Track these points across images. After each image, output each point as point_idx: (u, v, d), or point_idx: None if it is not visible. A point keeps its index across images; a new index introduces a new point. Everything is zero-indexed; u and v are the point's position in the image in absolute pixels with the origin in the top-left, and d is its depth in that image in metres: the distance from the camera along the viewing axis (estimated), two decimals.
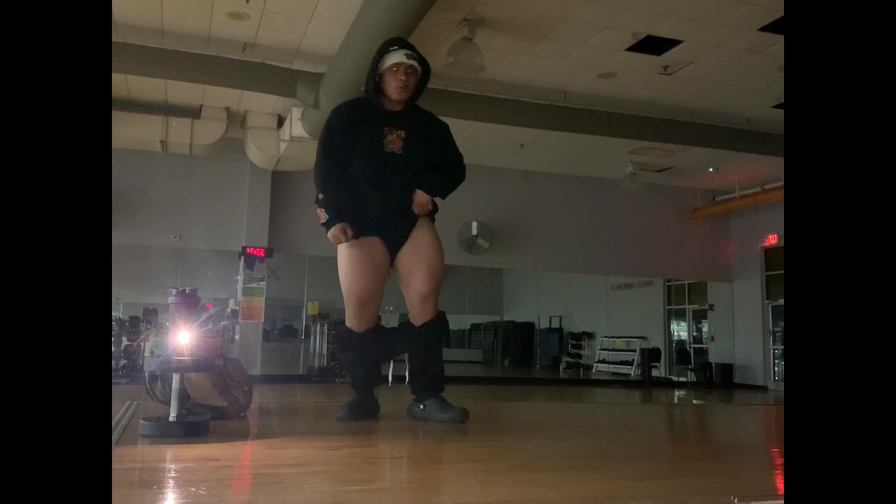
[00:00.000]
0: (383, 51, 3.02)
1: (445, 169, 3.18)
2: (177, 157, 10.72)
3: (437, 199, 3.20)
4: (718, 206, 13.89)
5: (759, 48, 7.84)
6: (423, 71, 3.07)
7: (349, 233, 2.99)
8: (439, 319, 3.10)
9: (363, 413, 3.04)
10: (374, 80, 3.02)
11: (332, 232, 2.99)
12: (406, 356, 3.24)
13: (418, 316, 3.08)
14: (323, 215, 3.00)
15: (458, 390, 3.42)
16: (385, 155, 3.01)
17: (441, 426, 2.89)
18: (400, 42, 3.08)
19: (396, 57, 2.98)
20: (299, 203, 11.58)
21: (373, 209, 3.03)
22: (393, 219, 3.06)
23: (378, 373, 3.22)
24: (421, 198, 3.08)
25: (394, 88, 2.99)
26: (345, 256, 3.07)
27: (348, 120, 3.10)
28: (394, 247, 3.09)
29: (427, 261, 3.04)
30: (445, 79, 8.37)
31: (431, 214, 3.19)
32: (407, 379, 3.20)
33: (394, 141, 3.02)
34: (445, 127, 3.25)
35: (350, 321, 3.11)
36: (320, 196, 3.02)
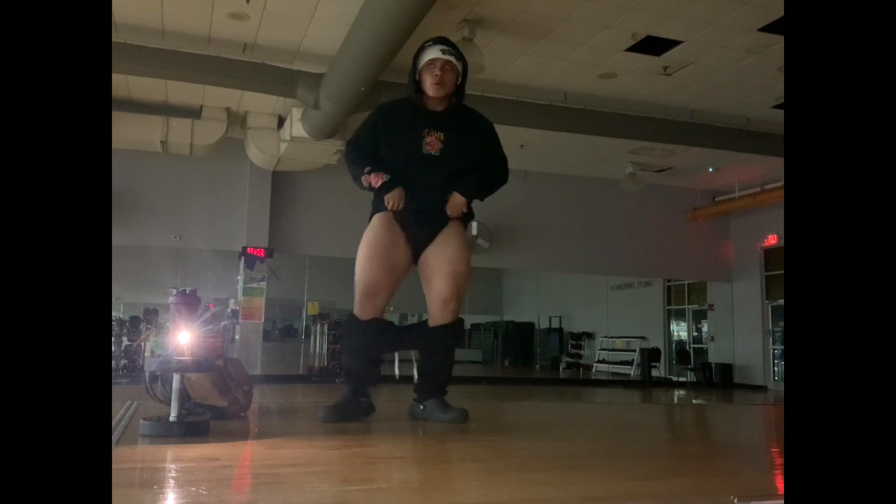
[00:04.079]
0: (420, 48, 3.02)
1: (485, 170, 3.14)
2: (177, 157, 10.72)
3: (476, 201, 3.18)
4: (718, 206, 13.89)
5: (759, 48, 7.84)
6: (463, 69, 3.05)
7: (405, 201, 2.95)
8: (455, 325, 3.07)
9: (345, 415, 2.93)
10: (414, 78, 3.02)
11: (395, 195, 2.94)
12: (416, 356, 3.23)
13: (436, 318, 3.05)
14: (377, 180, 2.94)
15: (459, 390, 3.41)
16: (422, 156, 2.99)
17: (441, 426, 2.89)
18: (437, 39, 3.06)
19: (432, 53, 2.97)
20: (299, 203, 11.59)
21: (410, 205, 3.01)
22: (423, 219, 3.03)
23: (374, 368, 3.16)
24: (456, 199, 3.04)
25: (430, 84, 2.98)
26: (364, 244, 3.04)
27: (386, 119, 3.10)
28: (420, 246, 3.06)
29: (451, 264, 3.01)
30: None
31: (466, 219, 3.16)
32: (415, 378, 3.19)
33: (432, 143, 3.00)
34: (489, 126, 3.21)
35: (355, 308, 3.06)
36: (366, 169, 2.97)
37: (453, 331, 3.08)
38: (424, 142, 3.00)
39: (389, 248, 3.00)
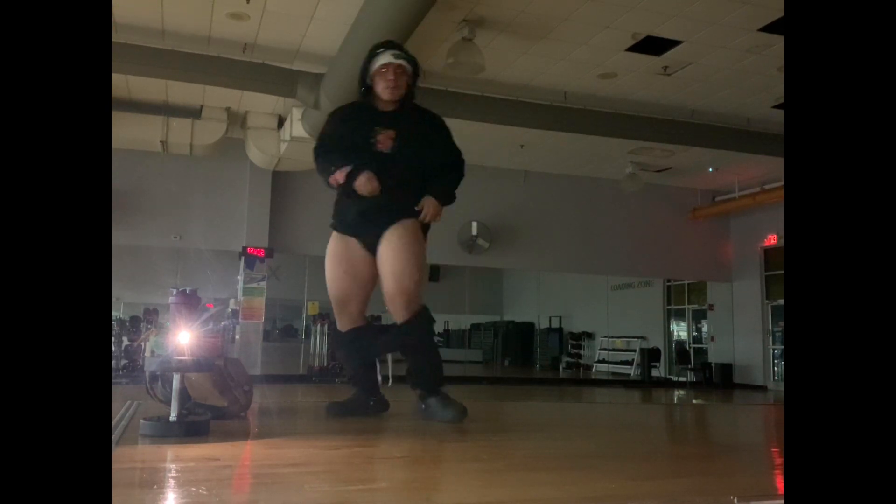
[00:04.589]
0: (372, 54, 3.09)
1: (448, 172, 3.18)
2: (177, 157, 10.72)
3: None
4: (718, 206, 13.89)
5: (759, 48, 7.84)
6: (414, 69, 3.11)
7: (378, 181, 2.92)
8: (417, 318, 3.04)
9: (346, 411, 3.06)
10: (366, 83, 3.08)
11: (363, 179, 2.92)
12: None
13: (396, 316, 3.06)
14: (341, 174, 2.95)
15: (459, 390, 3.42)
16: (374, 154, 3.02)
17: (441, 426, 2.89)
18: (387, 44, 3.13)
19: (384, 58, 3.04)
20: (299, 203, 11.58)
21: (353, 208, 3.05)
22: (371, 218, 3.04)
23: (367, 371, 3.21)
24: (432, 204, 3.05)
25: (383, 89, 3.04)
26: (326, 260, 3.14)
27: (341, 122, 3.18)
28: (373, 246, 3.08)
29: (391, 262, 3.01)
30: (445, 79, 8.37)
31: (417, 214, 3.12)
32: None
33: (383, 140, 3.03)
34: (441, 123, 3.25)
35: (336, 320, 3.17)
36: (332, 168, 2.99)
37: (417, 324, 3.04)
38: (375, 140, 3.04)
39: (345, 256, 3.08)
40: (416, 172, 3.08)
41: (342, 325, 3.14)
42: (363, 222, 3.06)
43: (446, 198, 3.12)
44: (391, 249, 3.02)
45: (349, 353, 3.22)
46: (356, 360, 3.21)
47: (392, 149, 3.03)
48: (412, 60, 3.10)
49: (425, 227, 3.15)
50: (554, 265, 14.27)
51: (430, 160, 3.13)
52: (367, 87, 3.09)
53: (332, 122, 3.22)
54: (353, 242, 3.08)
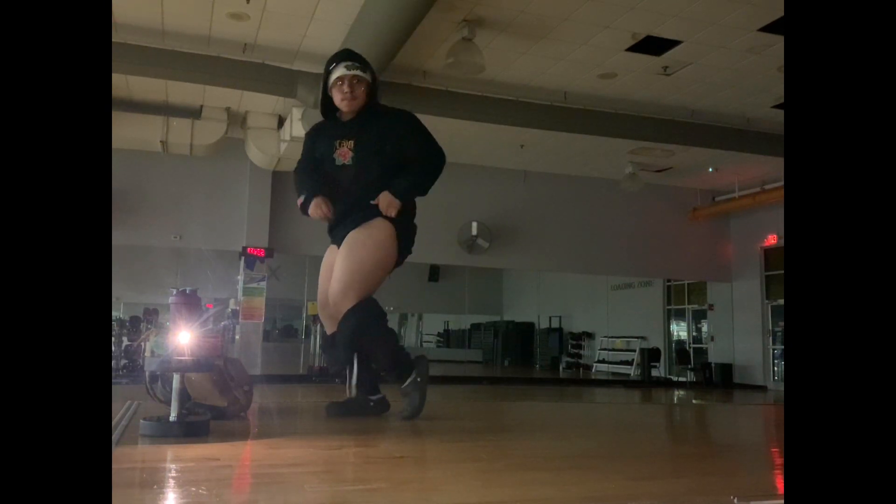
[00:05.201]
0: (327, 70, 3.13)
1: (416, 167, 3.14)
2: (177, 157, 10.73)
3: (424, 196, 3.20)
4: (718, 206, 13.89)
5: (759, 48, 7.84)
6: (372, 77, 3.14)
7: (327, 206, 3.05)
8: (348, 313, 2.97)
9: (346, 411, 3.08)
10: (327, 96, 3.14)
11: (311, 207, 3.05)
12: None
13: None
14: (301, 206, 3.11)
15: (459, 390, 3.43)
16: (336, 168, 3.08)
17: (442, 425, 2.90)
18: (340, 57, 3.16)
19: (338, 71, 3.08)
20: None
21: (332, 219, 3.15)
22: (338, 228, 3.12)
23: (360, 371, 3.20)
24: (384, 198, 3.03)
25: (340, 101, 3.09)
26: None
27: (310, 141, 3.27)
28: None
29: (335, 272, 3.03)
30: (445, 79, 8.38)
31: (398, 217, 3.09)
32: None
33: (343, 153, 3.08)
34: (407, 119, 3.21)
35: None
36: (300, 196, 3.16)
37: (347, 321, 2.98)
38: (336, 154, 3.09)
39: (328, 265, 3.16)
40: (379, 175, 3.06)
41: (326, 328, 3.18)
42: (334, 232, 3.16)
43: (402, 189, 3.07)
44: (340, 258, 3.06)
45: (331, 355, 3.28)
46: (340, 363, 3.23)
47: (351, 159, 3.07)
48: (367, 67, 3.13)
49: (400, 225, 3.09)
50: (554, 265, 14.27)
51: (392, 158, 3.10)
52: (330, 101, 3.14)
53: (305, 142, 3.32)
54: (335, 250, 3.17)
